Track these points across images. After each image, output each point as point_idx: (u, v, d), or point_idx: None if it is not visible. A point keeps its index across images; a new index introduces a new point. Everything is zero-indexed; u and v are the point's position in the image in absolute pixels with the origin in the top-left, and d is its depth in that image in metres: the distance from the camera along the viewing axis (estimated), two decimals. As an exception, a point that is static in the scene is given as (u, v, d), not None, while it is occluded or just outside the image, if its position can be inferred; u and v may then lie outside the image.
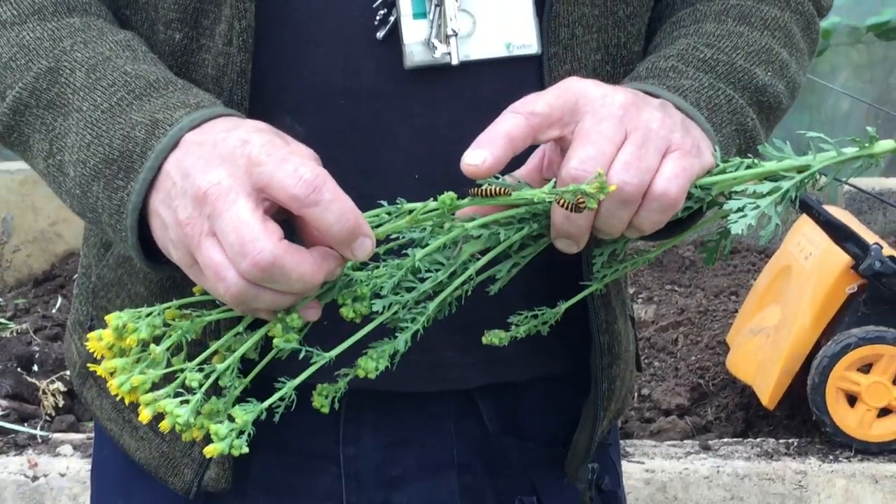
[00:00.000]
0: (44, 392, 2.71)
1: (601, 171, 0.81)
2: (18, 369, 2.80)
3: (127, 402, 0.82)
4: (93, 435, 1.17)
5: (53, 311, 3.29)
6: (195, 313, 0.85)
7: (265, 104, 0.92)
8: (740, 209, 0.83)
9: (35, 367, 2.87)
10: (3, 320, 3.21)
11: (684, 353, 3.00)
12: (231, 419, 0.82)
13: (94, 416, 1.11)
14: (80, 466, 2.38)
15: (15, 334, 3.08)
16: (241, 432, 0.82)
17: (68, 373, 2.85)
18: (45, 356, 2.89)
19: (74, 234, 3.54)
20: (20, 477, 2.37)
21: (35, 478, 2.37)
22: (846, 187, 3.30)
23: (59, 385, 2.73)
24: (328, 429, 1.03)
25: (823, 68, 3.97)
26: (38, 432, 2.53)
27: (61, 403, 2.70)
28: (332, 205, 0.77)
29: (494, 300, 0.88)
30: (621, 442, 2.48)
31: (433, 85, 0.93)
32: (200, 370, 0.82)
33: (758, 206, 0.83)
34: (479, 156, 0.81)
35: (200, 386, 0.81)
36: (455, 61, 0.91)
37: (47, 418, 2.64)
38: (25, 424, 2.57)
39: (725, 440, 2.51)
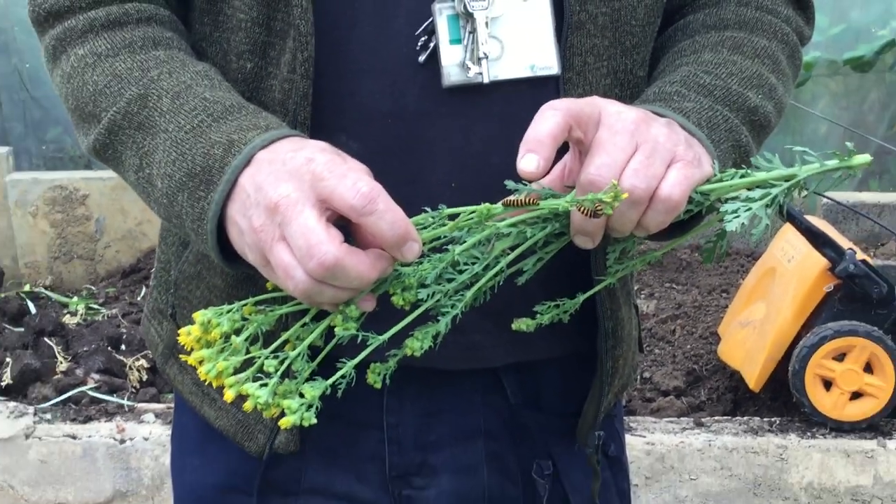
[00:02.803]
0: (130, 368, 2.73)
1: (615, 182, 0.81)
2: (109, 348, 2.83)
3: (215, 385, 0.83)
4: (172, 405, 1.18)
5: (139, 298, 3.31)
6: (268, 308, 0.86)
7: (324, 123, 0.92)
8: (735, 211, 0.83)
9: (123, 347, 2.89)
10: (95, 306, 3.24)
11: (681, 342, 2.99)
12: (301, 395, 0.83)
13: (176, 389, 1.12)
14: (161, 432, 2.40)
15: (106, 318, 3.11)
16: (309, 406, 0.83)
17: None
18: (132, 337, 2.91)
19: (157, 233, 3.55)
20: (110, 440, 2.39)
21: (123, 441, 2.39)
22: (824, 200, 3.28)
23: (143, 362, 2.75)
24: (374, 400, 1.03)
25: (805, 96, 3.94)
26: (125, 402, 2.56)
27: (145, 378, 2.72)
28: (385, 214, 0.78)
29: (518, 290, 0.88)
30: (625, 418, 2.48)
31: (467, 103, 0.93)
32: (276, 357, 0.83)
33: (750, 209, 0.83)
34: (533, 161, 0.80)
35: (276, 371, 0.83)
36: (486, 80, 0.91)
37: (133, 390, 2.66)
38: (114, 395, 2.60)
39: (717, 418, 2.50)
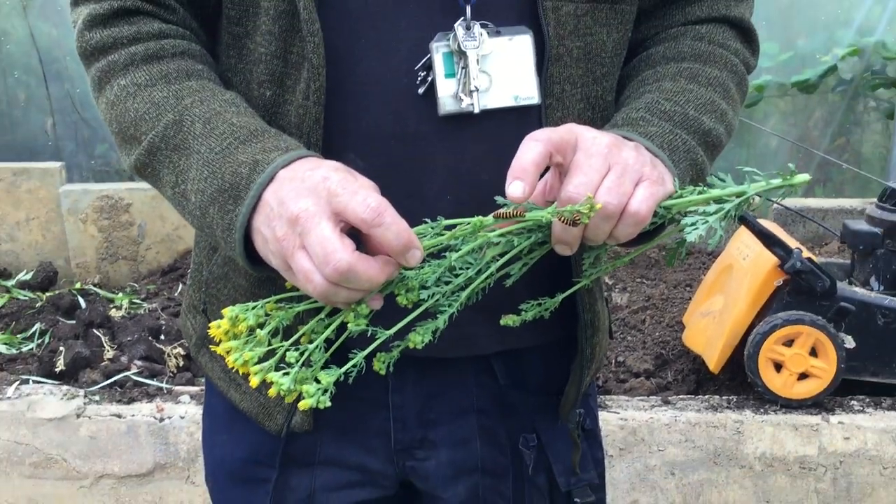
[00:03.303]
0: (168, 355, 2.72)
1: (591, 196, 0.81)
2: (150, 338, 2.82)
3: (241, 372, 0.84)
4: (205, 388, 1.18)
5: (176, 294, 3.31)
6: (288, 306, 0.86)
7: (334, 144, 0.92)
8: (694, 223, 0.84)
9: (162, 337, 2.88)
10: (138, 301, 3.23)
11: (650, 330, 2.99)
12: (317, 381, 0.83)
13: (206, 375, 1.12)
14: (195, 411, 2.39)
15: (147, 312, 3.10)
16: (325, 391, 0.83)
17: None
18: (170, 328, 2.90)
19: (192, 236, 3.54)
20: (151, 419, 2.39)
21: (162, 419, 2.39)
22: (775, 205, 3.28)
23: (179, 350, 2.74)
24: (380, 384, 1.03)
25: (758, 115, 3.94)
26: (164, 385, 2.55)
27: (181, 364, 2.71)
28: (391, 226, 0.78)
29: (506, 289, 0.89)
30: (601, 397, 2.48)
31: (460, 128, 0.93)
32: (296, 349, 0.84)
33: (707, 222, 0.83)
34: (519, 187, 0.81)
35: (297, 362, 0.83)
36: (476, 110, 0.92)
37: (171, 375, 2.65)
38: (155, 379, 2.59)
39: (682, 396, 2.49)
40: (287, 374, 0.82)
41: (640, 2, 1.02)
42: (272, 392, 0.82)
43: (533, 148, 0.82)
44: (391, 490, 1.09)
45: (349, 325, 0.83)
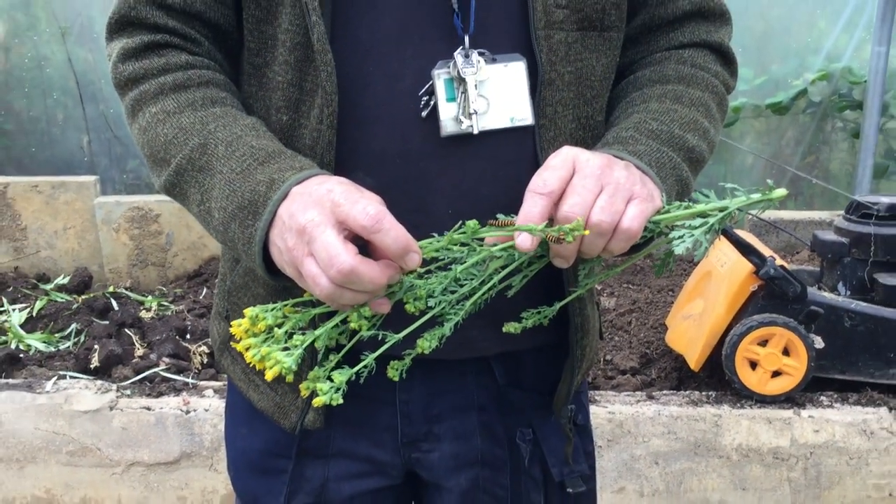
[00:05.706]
0: (194, 353, 2.72)
1: (580, 219, 0.81)
2: (177, 337, 2.82)
3: (258, 368, 0.83)
4: (227, 387, 1.18)
5: (200, 297, 3.30)
6: (303, 309, 0.86)
7: (345, 164, 0.92)
8: (681, 237, 0.83)
9: (188, 336, 2.88)
10: (166, 304, 3.23)
11: (636, 331, 2.98)
12: (331, 380, 0.83)
13: (228, 375, 1.12)
14: (218, 404, 2.39)
15: (174, 313, 3.10)
16: (337, 389, 0.83)
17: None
18: (195, 328, 2.90)
19: (216, 245, 3.55)
20: (177, 411, 2.39)
21: (188, 412, 2.39)
22: (751, 216, 3.27)
23: (204, 348, 2.74)
24: (389, 383, 1.03)
25: (735, 134, 3.94)
26: (189, 380, 2.55)
27: (206, 361, 2.70)
28: (390, 231, 0.78)
29: (505, 297, 0.89)
30: (591, 392, 2.48)
31: (461, 148, 0.93)
32: (302, 333, 0.84)
33: (693, 235, 0.83)
34: (528, 241, 0.83)
35: (302, 343, 0.83)
36: (476, 131, 0.92)
37: (196, 371, 2.65)
38: (181, 375, 2.59)
39: (665, 392, 2.49)
40: (290, 354, 0.82)
41: (627, 29, 1.01)
42: (275, 370, 0.81)
43: (537, 203, 0.82)
44: (398, 479, 1.09)
45: (351, 323, 0.83)
